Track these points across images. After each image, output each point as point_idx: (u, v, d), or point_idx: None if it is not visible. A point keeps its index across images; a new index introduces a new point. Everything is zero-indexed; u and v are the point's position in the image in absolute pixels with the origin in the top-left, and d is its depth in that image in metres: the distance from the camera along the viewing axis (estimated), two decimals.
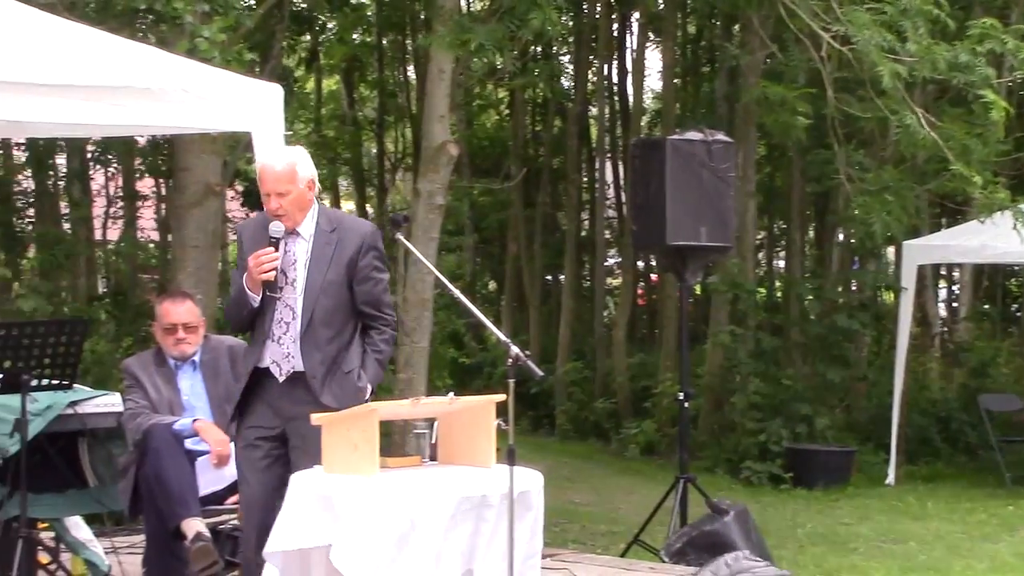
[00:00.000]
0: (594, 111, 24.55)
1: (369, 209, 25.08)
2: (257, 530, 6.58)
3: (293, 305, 6.66)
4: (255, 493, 6.71)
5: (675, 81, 21.83)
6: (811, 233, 23.70)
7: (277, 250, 6.60)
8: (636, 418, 19.65)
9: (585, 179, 24.89)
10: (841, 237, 20.68)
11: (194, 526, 7.06)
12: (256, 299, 6.63)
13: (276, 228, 6.60)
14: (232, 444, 7.14)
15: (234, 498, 7.42)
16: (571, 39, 23.35)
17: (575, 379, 21.73)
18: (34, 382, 7.11)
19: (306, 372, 6.63)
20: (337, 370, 6.67)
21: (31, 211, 17.18)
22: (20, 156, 17.45)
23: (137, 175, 18.76)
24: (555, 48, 23.94)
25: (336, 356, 6.68)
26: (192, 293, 8.60)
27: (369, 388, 6.74)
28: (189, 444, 7.46)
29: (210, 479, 7.39)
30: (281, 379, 6.67)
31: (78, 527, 8.12)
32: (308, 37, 21.77)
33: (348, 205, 26.96)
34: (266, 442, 6.71)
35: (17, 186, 17.37)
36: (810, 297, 19.31)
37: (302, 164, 6.68)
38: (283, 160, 6.66)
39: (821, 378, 18.04)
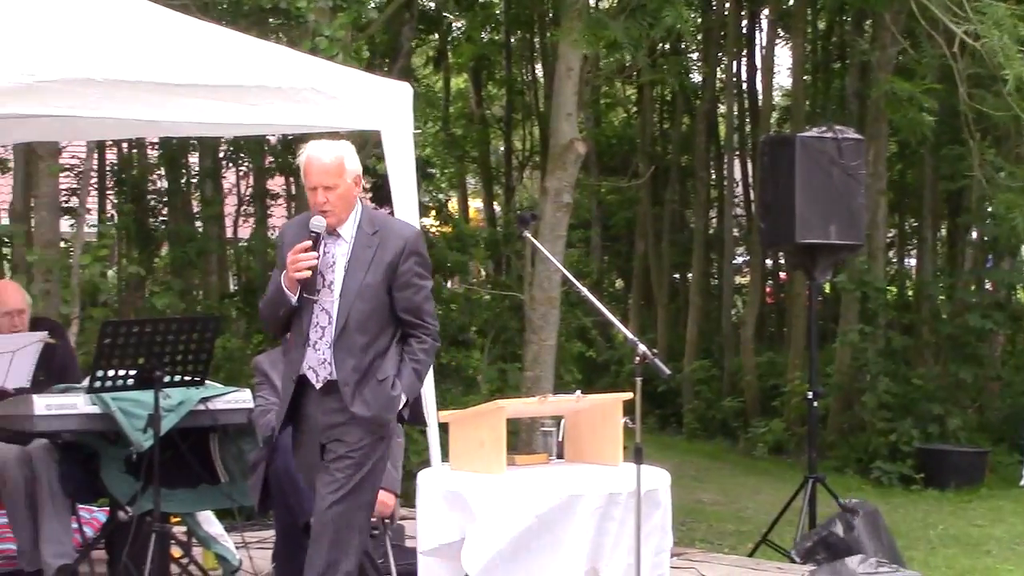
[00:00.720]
0: (723, 108, 24.40)
1: (496, 207, 25.12)
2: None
3: (329, 309, 6.37)
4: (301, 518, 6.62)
5: (805, 77, 21.64)
6: (943, 231, 23.38)
7: (316, 246, 6.30)
8: (764, 417, 19.55)
9: (713, 177, 24.77)
10: (974, 235, 20.36)
11: None
12: (293, 299, 6.34)
13: (317, 223, 6.33)
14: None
15: None
16: (699, 36, 23.24)
17: (702, 377, 21.65)
18: (167, 378, 7.20)
19: (338, 380, 6.34)
20: (371, 378, 6.34)
21: (164, 209, 17.42)
22: (154, 155, 17.72)
23: (268, 173, 18.96)
24: (684, 44, 23.83)
25: (371, 364, 6.35)
26: None
27: (403, 398, 6.43)
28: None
29: None
30: (318, 386, 6.39)
31: (209, 522, 8.23)
32: (436, 36, 21.85)
33: (476, 203, 27.04)
34: (313, 459, 6.49)
35: (151, 185, 17.63)
36: (942, 296, 19.05)
37: (350, 158, 6.42)
38: (331, 152, 6.39)
39: (953, 378, 17.83)
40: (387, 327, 6.43)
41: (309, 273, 6.28)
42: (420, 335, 6.50)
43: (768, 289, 24.51)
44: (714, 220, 25.03)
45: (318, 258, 6.31)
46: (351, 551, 6.32)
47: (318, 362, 6.37)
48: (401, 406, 6.45)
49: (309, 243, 6.27)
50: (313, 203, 6.36)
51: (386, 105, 7.59)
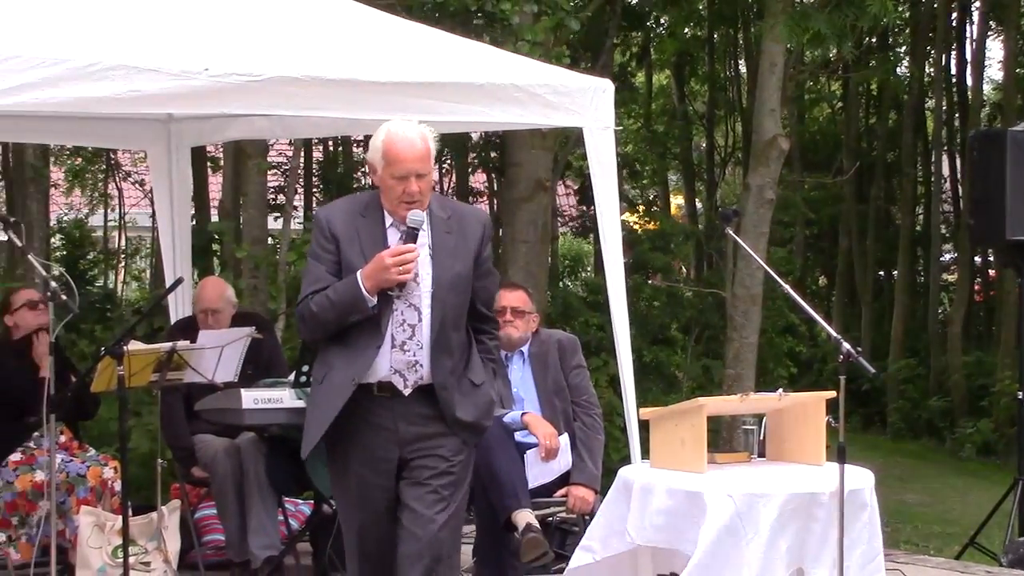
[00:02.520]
0: (931, 103, 24.01)
1: (698, 204, 25.02)
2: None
3: (418, 304, 5.64)
4: (376, 545, 5.81)
5: (1017, 71, 21.18)
6: None
7: (415, 243, 5.59)
8: (972, 417, 19.20)
9: (920, 173, 24.39)
10: None
11: (524, 518, 7.11)
12: (374, 301, 5.55)
13: (417, 218, 5.58)
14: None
15: (563, 491, 7.48)
16: (908, 29, 22.89)
17: (908, 376, 21.35)
18: None
19: (435, 384, 5.65)
20: (464, 380, 5.74)
21: None
22: (359, 153, 17.98)
23: (470, 170, 19.12)
24: (891, 39, 23.48)
25: (463, 365, 5.76)
26: (524, 285, 8.63)
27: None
28: (518, 437, 7.53)
29: (539, 472, 7.44)
30: (407, 392, 5.64)
31: None
32: (639, 33, 21.82)
33: (677, 200, 26.94)
34: (385, 479, 5.76)
35: (356, 183, 17.90)
36: None
37: (432, 139, 5.72)
38: (420, 134, 5.67)
39: None
40: (464, 321, 5.81)
41: (412, 276, 5.61)
42: (491, 330, 6.00)
43: (977, 287, 24.05)
44: (920, 217, 24.66)
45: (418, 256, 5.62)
46: (457, 568, 5.98)
47: (407, 365, 5.65)
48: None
49: (413, 246, 5.58)
50: (401, 193, 5.61)
51: (587, 102, 7.57)
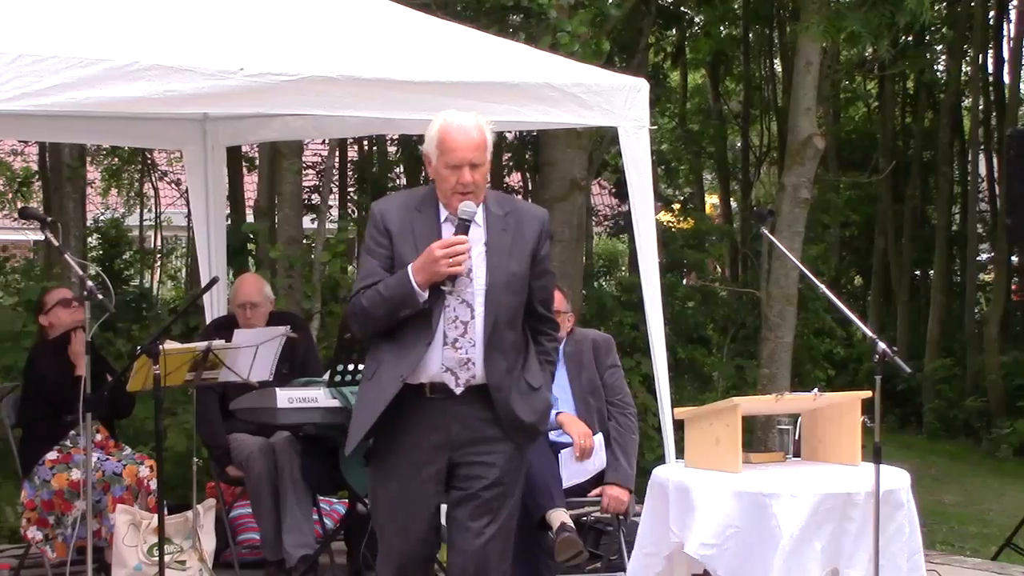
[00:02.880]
0: (967, 102, 23.90)
1: (733, 203, 24.96)
2: None
3: (471, 301, 5.51)
4: (409, 547, 5.69)
5: None
6: None
7: (467, 235, 5.47)
8: (1009, 417, 19.10)
9: (957, 172, 24.29)
10: None
11: (558, 517, 7.11)
12: (425, 296, 5.43)
13: (469, 209, 5.47)
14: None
15: (597, 490, 7.48)
16: (945, 28, 22.79)
17: (944, 376, 21.25)
18: None
19: (489, 384, 5.52)
20: (521, 382, 5.60)
21: None
22: (394, 152, 18.01)
23: (504, 170, 19.12)
24: (928, 38, 23.40)
25: (520, 366, 5.63)
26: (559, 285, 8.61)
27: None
28: (552, 436, 7.52)
29: (573, 471, 7.43)
30: (458, 391, 5.51)
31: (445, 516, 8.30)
32: (674, 31, 21.80)
33: (712, 199, 26.90)
34: (432, 484, 5.64)
35: (391, 182, 17.94)
36: None
37: (489, 130, 5.62)
38: (476, 124, 5.57)
39: None
40: (521, 321, 5.68)
41: (464, 269, 5.48)
42: (550, 331, 5.85)
43: (1014, 286, 23.93)
44: (957, 216, 24.56)
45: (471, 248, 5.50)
46: None
47: (458, 363, 5.51)
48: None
49: (464, 237, 5.46)
50: (455, 183, 5.49)
51: (622, 101, 7.56)
